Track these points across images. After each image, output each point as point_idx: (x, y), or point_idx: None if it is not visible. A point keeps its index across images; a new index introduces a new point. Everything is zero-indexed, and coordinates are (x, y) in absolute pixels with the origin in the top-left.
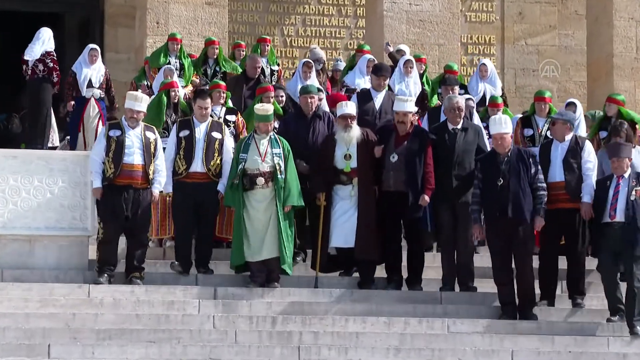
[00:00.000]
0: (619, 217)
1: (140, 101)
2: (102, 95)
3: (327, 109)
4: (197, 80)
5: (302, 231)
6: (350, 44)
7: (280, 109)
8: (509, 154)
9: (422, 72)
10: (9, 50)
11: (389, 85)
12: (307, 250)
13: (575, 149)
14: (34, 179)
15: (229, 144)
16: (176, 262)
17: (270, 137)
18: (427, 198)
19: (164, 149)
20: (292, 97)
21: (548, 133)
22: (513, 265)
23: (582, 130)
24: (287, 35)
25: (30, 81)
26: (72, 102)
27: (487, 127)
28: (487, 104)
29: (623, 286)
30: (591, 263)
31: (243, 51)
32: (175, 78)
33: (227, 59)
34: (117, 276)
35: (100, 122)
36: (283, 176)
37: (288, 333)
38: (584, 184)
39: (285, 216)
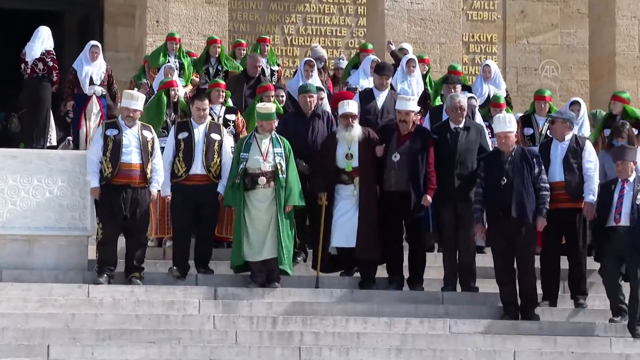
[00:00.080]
0: (624, 221)
1: (136, 100)
2: (104, 93)
3: (328, 108)
4: (197, 79)
5: (302, 231)
6: (351, 42)
7: (281, 109)
8: (513, 153)
9: (425, 72)
10: (9, 49)
11: (391, 85)
12: (308, 250)
13: (575, 149)
14: (33, 178)
15: (228, 145)
16: (174, 267)
17: (271, 136)
18: (429, 198)
19: (162, 148)
20: (293, 96)
21: (548, 132)
22: (515, 266)
23: (586, 129)
24: (287, 34)
25: (30, 80)
26: (72, 102)
27: (489, 127)
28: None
29: (624, 287)
30: (593, 263)
31: (244, 50)
32: (176, 77)
33: (229, 57)
34: (117, 276)
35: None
36: (284, 176)
37: (289, 333)
38: (586, 184)
39: (286, 216)
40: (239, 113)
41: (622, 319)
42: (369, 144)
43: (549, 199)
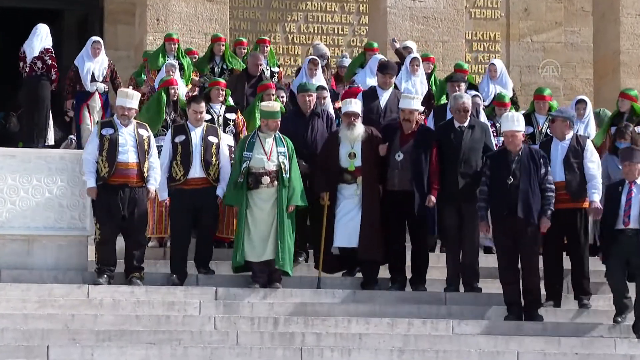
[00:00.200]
0: (633, 224)
1: (131, 98)
2: (106, 90)
3: (331, 107)
4: (197, 78)
5: (303, 231)
6: (353, 41)
7: (284, 108)
8: (520, 152)
9: (430, 71)
10: (9, 48)
11: (395, 84)
12: (309, 250)
13: (576, 149)
14: (33, 178)
15: (226, 148)
16: (173, 276)
17: (275, 135)
18: (433, 199)
19: (161, 147)
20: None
21: (548, 131)
22: (519, 266)
23: (592, 128)
24: (289, 32)
25: (28, 78)
26: (72, 101)
27: (493, 126)
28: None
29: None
30: (596, 263)
31: (244, 49)
32: (177, 75)
33: (234, 55)
34: (117, 276)
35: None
36: (288, 175)
37: (290, 334)
38: (590, 184)
39: (288, 216)
40: (239, 112)
41: (626, 319)
42: (372, 143)
43: (554, 200)
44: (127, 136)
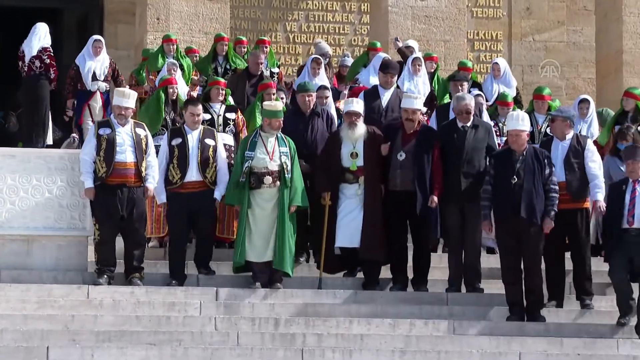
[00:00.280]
0: (637, 223)
1: (128, 97)
2: (107, 89)
3: (333, 107)
4: (197, 78)
5: (304, 231)
6: (355, 40)
7: (285, 108)
8: (525, 152)
9: (433, 70)
10: (8, 48)
11: (397, 84)
12: (309, 250)
13: (577, 148)
14: (32, 178)
15: (223, 151)
16: (173, 281)
17: (277, 135)
18: (435, 199)
19: (159, 146)
20: None
21: (548, 130)
22: (522, 266)
23: (595, 128)
24: (290, 31)
25: (27, 78)
26: (72, 100)
27: (496, 125)
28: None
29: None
30: (598, 264)
31: (244, 48)
32: (178, 74)
33: (237, 54)
34: (117, 277)
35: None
36: (290, 175)
37: (291, 335)
38: (593, 183)
39: (289, 216)
40: (239, 111)
41: (630, 321)
42: (374, 142)
43: (557, 201)
44: (124, 136)
